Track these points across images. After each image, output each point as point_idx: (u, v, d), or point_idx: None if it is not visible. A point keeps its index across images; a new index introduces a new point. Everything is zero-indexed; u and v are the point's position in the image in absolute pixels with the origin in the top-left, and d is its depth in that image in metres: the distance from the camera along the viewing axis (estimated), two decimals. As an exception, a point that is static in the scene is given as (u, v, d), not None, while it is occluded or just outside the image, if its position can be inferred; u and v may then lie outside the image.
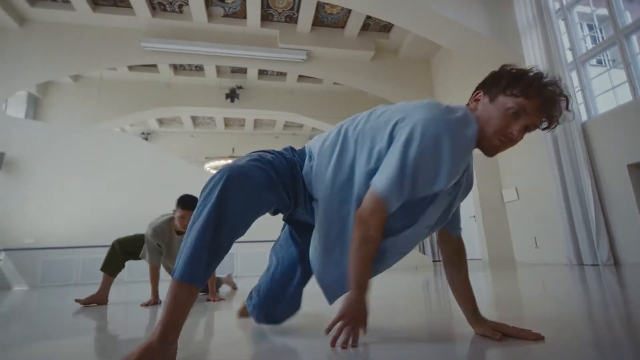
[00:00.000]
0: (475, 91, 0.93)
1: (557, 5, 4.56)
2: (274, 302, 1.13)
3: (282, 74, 8.26)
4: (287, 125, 10.60)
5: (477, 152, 0.91)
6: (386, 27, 6.80)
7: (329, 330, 0.82)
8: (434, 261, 6.60)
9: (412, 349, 0.87)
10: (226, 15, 6.33)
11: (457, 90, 6.42)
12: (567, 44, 4.44)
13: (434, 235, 1.05)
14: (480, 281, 2.73)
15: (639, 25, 3.68)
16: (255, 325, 1.29)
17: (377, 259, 0.90)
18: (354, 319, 0.81)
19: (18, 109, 7.17)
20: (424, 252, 7.66)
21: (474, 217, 5.77)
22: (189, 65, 7.84)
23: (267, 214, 0.98)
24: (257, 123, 10.43)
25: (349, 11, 6.25)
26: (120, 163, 5.95)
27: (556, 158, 4.22)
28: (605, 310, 1.33)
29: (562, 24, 4.53)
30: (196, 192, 1.07)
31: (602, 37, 4.45)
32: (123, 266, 2.49)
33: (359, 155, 0.91)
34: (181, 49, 6.24)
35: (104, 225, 5.08)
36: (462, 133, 0.83)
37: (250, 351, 0.98)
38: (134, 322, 1.67)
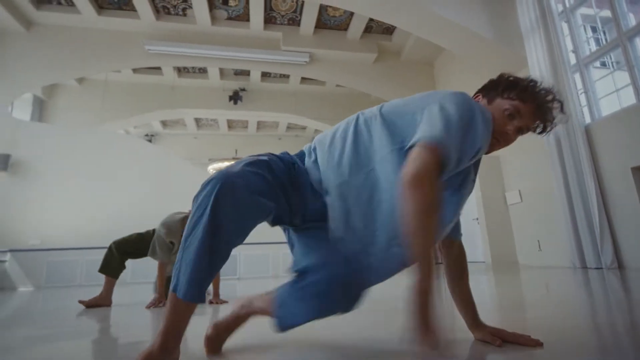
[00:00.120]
0: (474, 95, 0.98)
1: (560, 7, 4.55)
2: (365, 255, 0.82)
3: (285, 76, 8.29)
4: (290, 127, 10.62)
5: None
6: (389, 30, 6.81)
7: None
8: (436, 263, 6.57)
9: (410, 353, 0.88)
10: (229, 18, 6.36)
11: (460, 93, 6.40)
12: (570, 46, 4.43)
13: None
14: (483, 284, 2.72)
15: (642, 28, 3.66)
16: (258, 329, 1.30)
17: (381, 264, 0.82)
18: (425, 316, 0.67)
19: (24, 111, 7.24)
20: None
21: (477, 219, 5.75)
22: (193, 67, 7.89)
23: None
24: (260, 125, 10.46)
25: (352, 14, 6.26)
26: (125, 165, 5.99)
27: (559, 161, 4.20)
28: (609, 314, 1.33)
29: (565, 26, 4.52)
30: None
31: (606, 39, 4.43)
32: (123, 267, 2.50)
33: (379, 137, 0.84)
34: (185, 52, 6.28)
35: (108, 227, 5.11)
36: (486, 111, 0.86)
37: (254, 354, 0.99)
38: (137, 324, 1.69)
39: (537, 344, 0.85)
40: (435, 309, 0.67)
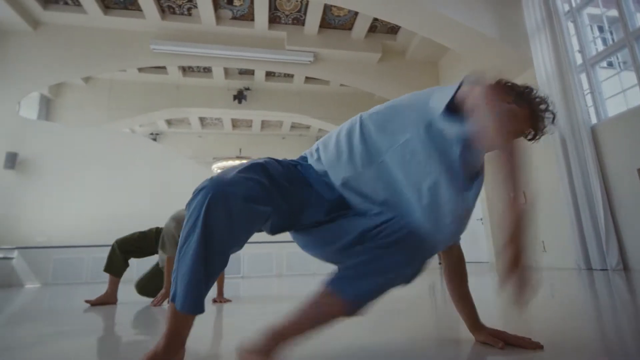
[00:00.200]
0: None
1: (567, 7, 4.52)
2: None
3: (289, 76, 8.30)
4: (294, 127, 10.64)
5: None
6: (393, 29, 6.79)
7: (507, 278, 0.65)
8: (439, 263, 6.57)
9: (412, 355, 0.89)
10: (234, 18, 6.38)
11: (464, 92, 6.37)
12: (576, 46, 4.40)
13: None
14: (486, 284, 2.72)
15: (650, 28, 3.63)
16: (262, 325, 1.31)
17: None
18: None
19: (31, 110, 7.31)
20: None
21: (481, 219, 5.74)
22: (198, 67, 7.92)
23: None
24: (264, 124, 10.49)
25: (356, 13, 6.26)
26: (130, 163, 6.04)
27: (565, 161, 4.18)
28: (613, 316, 1.32)
29: (571, 25, 4.49)
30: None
31: (613, 39, 4.39)
32: (126, 265, 2.53)
33: (380, 136, 0.86)
34: (190, 51, 6.31)
35: (114, 225, 5.15)
36: None
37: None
38: (143, 323, 1.71)
39: (537, 346, 0.85)
40: (528, 237, 0.65)
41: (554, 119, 0.93)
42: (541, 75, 4.40)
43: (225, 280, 2.61)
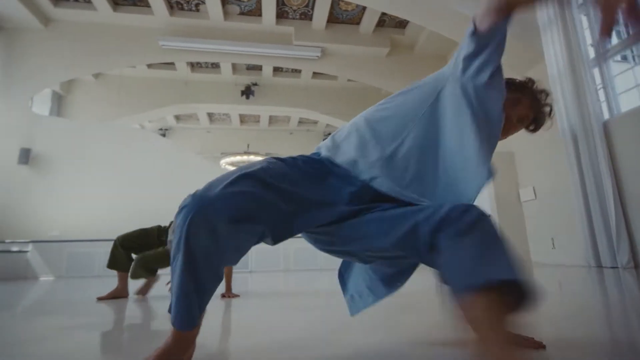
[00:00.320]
0: None
1: (580, 0, 4.42)
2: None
3: (296, 71, 8.29)
4: (301, 122, 10.64)
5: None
6: (402, 23, 6.72)
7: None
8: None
9: (412, 354, 0.90)
10: (242, 13, 6.38)
11: (474, 87, 6.29)
12: (589, 40, 4.31)
13: None
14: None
15: (666, 20, 3.53)
16: (270, 321, 1.33)
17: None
18: None
19: (43, 106, 7.44)
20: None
21: (490, 216, 5.70)
22: (206, 63, 7.95)
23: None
24: (272, 119, 10.51)
25: (364, 7, 6.20)
26: (140, 158, 6.12)
27: (576, 157, 4.12)
28: (622, 315, 1.32)
29: (584, 19, 4.39)
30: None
31: (628, 32, 4.29)
32: (131, 260, 2.54)
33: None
34: (198, 47, 6.34)
35: (124, 219, 5.23)
36: None
37: (267, 348, 1.02)
38: (155, 315, 1.75)
39: (540, 346, 0.86)
40: None
41: (551, 111, 1.00)
42: (552, 70, 4.33)
43: (234, 275, 2.64)
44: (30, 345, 1.11)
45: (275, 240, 0.80)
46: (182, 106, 8.52)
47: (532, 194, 5.12)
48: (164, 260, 2.50)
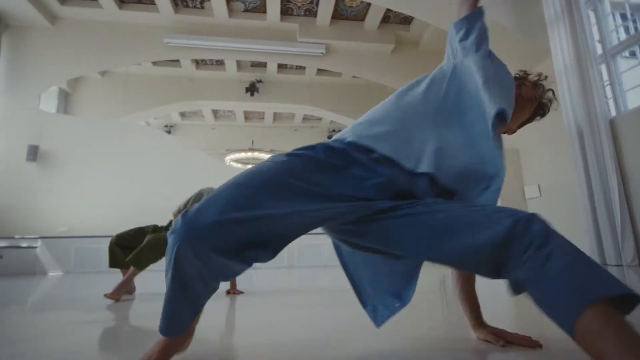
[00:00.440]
0: None
1: (587, -5, 4.36)
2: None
3: (301, 68, 8.28)
4: (306, 119, 10.64)
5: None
6: (407, 20, 6.68)
7: None
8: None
9: (412, 352, 0.92)
10: (246, 10, 6.39)
11: (479, 84, 6.25)
12: (596, 36, 4.25)
13: None
14: (491, 284, 2.71)
15: (675, 16, 3.48)
16: (273, 319, 1.35)
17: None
18: None
19: (50, 103, 7.51)
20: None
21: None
22: (210, 60, 7.97)
23: None
24: (276, 116, 10.52)
25: (369, 4, 6.17)
26: (145, 155, 6.18)
27: (581, 155, 4.08)
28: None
29: (592, 14, 4.33)
30: (217, 184, 0.92)
31: (636, 28, 4.23)
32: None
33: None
34: (203, 45, 6.36)
35: (131, 216, 5.30)
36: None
37: (272, 344, 1.05)
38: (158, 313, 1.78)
39: (537, 345, 0.87)
40: None
41: (553, 92, 1.08)
42: (559, 66, 4.28)
43: (238, 272, 2.67)
44: (34, 341, 1.15)
45: (276, 252, 0.77)
46: (187, 103, 8.56)
47: (537, 191, 5.09)
48: (161, 249, 2.38)
